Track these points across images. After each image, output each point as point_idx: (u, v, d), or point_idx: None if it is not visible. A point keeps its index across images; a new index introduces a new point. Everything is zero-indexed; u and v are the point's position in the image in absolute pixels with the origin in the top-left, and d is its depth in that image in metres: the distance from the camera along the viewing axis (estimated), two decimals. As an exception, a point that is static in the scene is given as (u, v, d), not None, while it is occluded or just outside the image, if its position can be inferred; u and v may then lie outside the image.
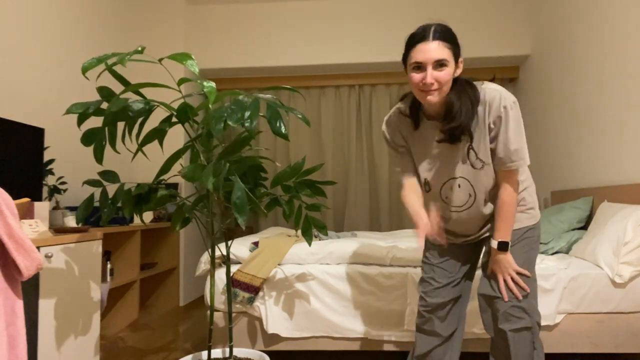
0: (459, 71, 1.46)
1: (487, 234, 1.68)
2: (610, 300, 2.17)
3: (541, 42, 3.89)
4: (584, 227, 2.86)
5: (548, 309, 2.16)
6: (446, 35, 1.40)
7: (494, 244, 1.55)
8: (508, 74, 4.42)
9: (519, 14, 4.16)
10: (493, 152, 1.51)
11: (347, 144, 4.57)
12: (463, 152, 1.53)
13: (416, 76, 1.42)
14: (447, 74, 1.40)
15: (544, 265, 2.26)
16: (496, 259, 1.56)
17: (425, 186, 1.64)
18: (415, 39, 1.41)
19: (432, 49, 1.37)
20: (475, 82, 1.50)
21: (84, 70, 1.48)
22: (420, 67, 1.40)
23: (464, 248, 1.73)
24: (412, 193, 1.61)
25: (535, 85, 4.04)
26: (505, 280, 1.56)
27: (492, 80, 4.31)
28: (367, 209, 4.47)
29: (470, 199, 1.58)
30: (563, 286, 2.18)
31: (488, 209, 1.61)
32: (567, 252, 2.65)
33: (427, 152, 1.59)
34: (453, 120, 1.45)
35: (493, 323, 1.60)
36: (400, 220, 4.48)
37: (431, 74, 1.38)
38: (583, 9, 3.16)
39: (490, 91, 1.47)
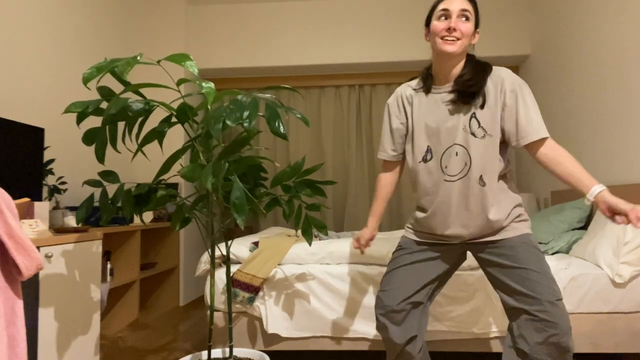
0: (475, 40, 1.57)
1: (493, 238, 1.57)
2: (610, 300, 2.17)
3: (541, 42, 3.89)
4: (584, 227, 2.86)
5: (548, 308, 2.16)
6: None
7: (599, 188, 1.38)
8: (508, 73, 4.41)
9: (519, 14, 4.16)
10: (509, 129, 1.53)
11: (347, 144, 4.57)
12: (466, 119, 1.54)
13: (440, 24, 1.53)
14: (468, 28, 1.51)
15: (544, 265, 2.26)
16: (615, 199, 1.35)
17: (427, 154, 1.61)
18: None
19: (459, 1, 1.51)
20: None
21: (85, 81, 1.48)
22: (445, 15, 1.52)
23: (446, 255, 1.65)
24: (383, 196, 1.80)
25: (535, 85, 4.04)
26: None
27: None
28: (367, 208, 4.47)
29: (465, 167, 1.54)
30: (563, 286, 2.18)
31: (482, 190, 1.53)
32: (567, 252, 2.65)
33: (432, 119, 1.60)
34: (466, 80, 1.53)
35: (550, 341, 1.43)
36: (400, 220, 4.48)
37: (456, 22, 1.50)
38: (583, 9, 3.16)
39: (502, 70, 1.56)
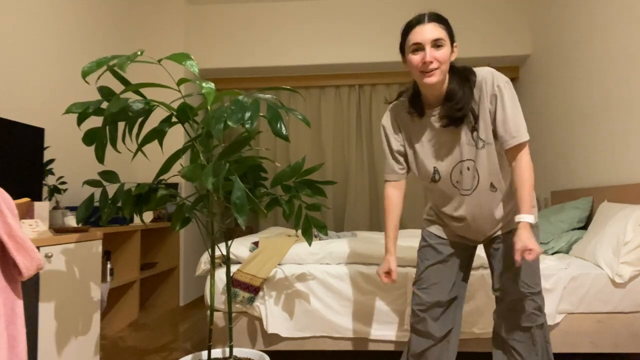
0: (454, 55, 1.53)
1: (499, 232, 1.67)
2: (610, 300, 2.17)
3: (541, 42, 3.89)
4: (584, 227, 2.86)
5: (548, 309, 2.16)
6: (440, 18, 1.49)
7: (529, 218, 1.46)
8: (508, 74, 4.41)
9: (519, 14, 4.16)
10: (494, 132, 1.54)
11: (347, 144, 4.57)
12: (467, 134, 1.55)
13: (415, 58, 1.49)
14: (444, 54, 1.47)
15: (544, 265, 2.26)
16: (528, 234, 1.43)
17: (435, 175, 1.63)
18: (411, 24, 1.50)
19: (429, 30, 1.46)
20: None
21: (84, 74, 1.48)
22: (418, 48, 1.48)
23: (464, 249, 1.73)
24: (395, 213, 1.72)
25: (536, 86, 4.04)
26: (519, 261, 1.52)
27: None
28: (367, 208, 4.47)
29: (474, 180, 1.58)
30: (563, 286, 2.18)
31: (495, 195, 1.60)
32: (567, 252, 2.65)
33: (432, 140, 1.61)
34: (455, 103, 1.51)
35: (513, 323, 1.62)
36: (400, 220, 4.48)
37: (430, 53, 1.46)
38: (583, 8, 3.16)
39: (483, 72, 1.53)
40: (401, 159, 1.71)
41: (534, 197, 1.67)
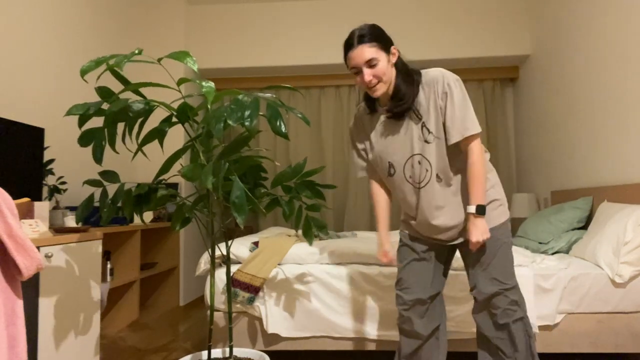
0: (394, 58, 1.62)
1: (465, 238, 1.70)
2: (610, 300, 2.17)
3: (541, 42, 3.89)
4: (584, 227, 2.86)
5: (548, 308, 2.16)
6: (368, 36, 1.57)
7: (472, 209, 1.57)
8: (508, 74, 4.41)
9: (519, 14, 4.16)
10: (444, 127, 1.61)
11: (347, 144, 4.57)
12: (418, 130, 1.62)
13: (358, 79, 1.61)
14: (380, 69, 1.57)
15: (544, 265, 2.26)
16: (475, 223, 1.57)
17: (390, 169, 1.70)
18: (345, 49, 1.61)
19: (359, 54, 1.56)
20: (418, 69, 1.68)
21: (83, 73, 1.48)
22: (357, 71, 1.60)
23: (441, 247, 1.76)
24: (381, 205, 1.83)
25: (535, 85, 4.04)
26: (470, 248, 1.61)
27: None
28: (367, 209, 4.47)
29: (427, 174, 1.63)
30: (563, 286, 2.18)
31: (448, 190, 1.64)
32: (567, 252, 2.65)
33: (388, 135, 1.69)
34: (398, 99, 1.61)
35: (492, 321, 1.67)
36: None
37: (367, 73, 1.57)
38: (583, 8, 3.16)
39: (433, 72, 1.62)
40: (368, 158, 1.81)
41: (501, 193, 1.70)
